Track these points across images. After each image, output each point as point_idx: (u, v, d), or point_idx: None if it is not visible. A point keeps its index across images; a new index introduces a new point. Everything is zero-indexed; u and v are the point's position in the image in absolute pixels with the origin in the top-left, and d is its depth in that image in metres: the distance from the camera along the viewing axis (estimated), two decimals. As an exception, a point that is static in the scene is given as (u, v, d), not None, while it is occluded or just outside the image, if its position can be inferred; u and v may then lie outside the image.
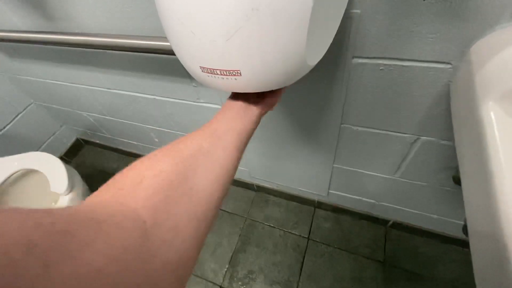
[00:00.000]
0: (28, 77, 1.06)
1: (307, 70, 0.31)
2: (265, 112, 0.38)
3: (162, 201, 0.21)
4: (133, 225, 0.18)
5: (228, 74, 0.29)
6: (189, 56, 0.30)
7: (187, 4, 0.25)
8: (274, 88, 0.32)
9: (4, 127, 1.20)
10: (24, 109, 1.26)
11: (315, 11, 0.25)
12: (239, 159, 0.31)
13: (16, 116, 1.24)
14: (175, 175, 0.23)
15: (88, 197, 0.21)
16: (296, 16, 0.25)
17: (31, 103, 1.27)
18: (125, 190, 0.21)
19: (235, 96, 0.36)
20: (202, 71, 0.30)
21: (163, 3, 0.27)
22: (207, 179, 0.25)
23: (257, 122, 0.35)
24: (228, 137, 0.30)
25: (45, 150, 1.38)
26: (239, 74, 0.28)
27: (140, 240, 0.18)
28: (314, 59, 0.30)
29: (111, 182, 0.22)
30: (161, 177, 0.22)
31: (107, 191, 0.21)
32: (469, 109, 0.36)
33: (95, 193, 0.21)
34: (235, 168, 0.30)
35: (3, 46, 0.93)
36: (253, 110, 0.34)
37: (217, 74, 0.29)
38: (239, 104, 0.34)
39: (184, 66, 0.33)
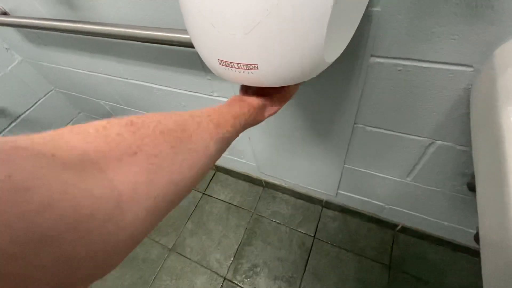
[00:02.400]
0: (50, 64, 1.10)
1: (324, 67, 0.31)
2: (273, 112, 0.39)
3: (146, 184, 0.19)
4: (107, 194, 0.17)
5: (245, 68, 0.29)
6: (208, 48, 0.31)
7: (209, -3, 0.25)
8: (289, 84, 0.32)
9: (25, 112, 1.25)
10: (45, 95, 1.30)
11: (335, 8, 0.25)
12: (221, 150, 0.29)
13: (37, 101, 1.28)
14: (170, 164, 0.22)
15: (70, 131, 0.18)
16: (317, 12, 0.25)
17: (52, 90, 1.32)
18: (114, 153, 0.18)
19: (245, 90, 0.37)
20: (220, 64, 0.30)
21: (186, -5, 0.28)
22: (197, 175, 0.25)
23: (254, 116, 0.36)
24: (229, 128, 0.30)
25: (63, 135, 1.43)
26: (256, 68, 0.29)
27: (112, 210, 0.17)
28: (332, 56, 0.30)
29: (103, 129, 0.19)
30: (155, 160, 0.21)
31: (96, 139, 0.18)
32: (489, 114, 0.35)
33: (80, 128, 0.18)
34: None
35: (27, 33, 0.97)
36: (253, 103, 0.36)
37: (235, 67, 0.30)
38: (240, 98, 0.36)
39: (202, 58, 0.33)
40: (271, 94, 0.38)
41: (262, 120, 0.38)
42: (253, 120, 0.36)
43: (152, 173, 0.20)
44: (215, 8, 0.26)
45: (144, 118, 0.23)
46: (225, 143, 0.30)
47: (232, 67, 0.30)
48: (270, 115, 0.39)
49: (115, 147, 0.19)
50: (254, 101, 0.36)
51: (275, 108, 0.39)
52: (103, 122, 0.20)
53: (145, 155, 0.20)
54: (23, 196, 0.12)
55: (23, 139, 0.15)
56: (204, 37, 0.30)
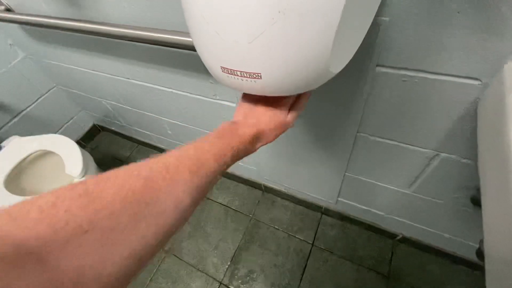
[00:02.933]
0: (53, 61, 1.09)
1: (329, 78, 0.30)
2: (266, 143, 0.35)
3: (95, 265, 0.18)
4: None
5: (248, 76, 0.28)
6: (211, 55, 0.30)
7: (213, 4, 0.25)
8: (292, 94, 0.31)
9: (27, 108, 1.25)
10: (47, 92, 1.30)
11: (344, 17, 0.24)
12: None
13: (39, 98, 1.28)
14: (130, 234, 0.20)
15: (8, 216, 0.17)
16: (324, 21, 0.24)
17: (54, 87, 1.32)
18: (59, 236, 0.17)
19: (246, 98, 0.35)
20: (222, 71, 0.30)
21: (190, 2, 0.27)
22: (162, 242, 0.22)
23: (244, 150, 0.32)
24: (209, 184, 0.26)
25: (63, 133, 1.42)
26: (259, 77, 0.28)
27: None
28: (337, 67, 0.30)
29: (50, 208, 0.17)
30: (112, 234, 0.19)
31: (37, 224, 0.17)
32: (498, 131, 0.34)
33: (20, 212, 0.17)
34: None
35: (31, 30, 0.97)
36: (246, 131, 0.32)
37: (237, 75, 0.29)
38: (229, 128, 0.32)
39: (205, 64, 0.32)
40: (266, 122, 0.34)
41: (253, 152, 0.34)
42: (242, 154, 0.32)
43: (105, 249, 0.18)
44: (220, 15, 0.25)
45: (104, 183, 0.20)
46: (204, 189, 0.26)
47: (235, 75, 0.29)
48: (264, 144, 0.35)
49: (62, 228, 0.17)
50: (246, 133, 0.32)
51: (270, 137, 0.35)
52: (52, 198, 0.18)
53: (99, 231, 0.18)
54: None
55: None
56: (207, 43, 0.29)
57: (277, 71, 0.27)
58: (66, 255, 0.17)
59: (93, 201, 0.19)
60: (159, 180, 0.22)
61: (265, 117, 0.35)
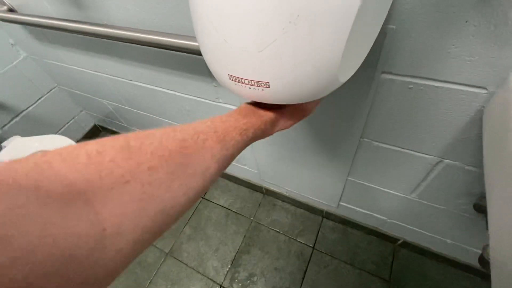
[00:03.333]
0: (55, 62, 1.09)
1: (337, 86, 0.30)
2: (285, 128, 0.37)
3: (135, 213, 0.18)
4: (90, 231, 0.16)
5: (256, 85, 0.28)
6: (219, 63, 0.30)
7: (223, 12, 0.24)
8: (300, 102, 0.31)
9: (28, 107, 1.25)
10: (48, 92, 1.30)
11: (354, 28, 0.24)
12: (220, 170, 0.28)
13: (40, 97, 1.28)
14: (164, 191, 0.20)
15: (60, 157, 0.17)
16: (335, 30, 0.24)
17: (55, 87, 1.31)
18: (104, 183, 0.17)
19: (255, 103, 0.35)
20: (230, 79, 0.29)
21: (199, 9, 0.27)
22: (190, 201, 0.23)
23: (263, 130, 0.33)
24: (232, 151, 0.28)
25: (64, 133, 1.42)
26: (267, 86, 0.28)
27: (93, 248, 0.16)
28: (345, 76, 0.29)
29: (96, 155, 0.18)
30: (149, 188, 0.19)
31: (86, 168, 0.17)
32: (504, 141, 0.34)
33: (71, 155, 0.17)
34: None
35: (33, 30, 0.96)
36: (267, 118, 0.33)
37: (245, 83, 0.28)
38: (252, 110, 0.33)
39: (212, 71, 0.32)
40: (285, 109, 0.36)
41: (270, 135, 0.36)
42: (261, 134, 0.33)
43: (143, 202, 0.19)
44: (230, 23, 0.25)
45: (143, 139, 0.21)
46: (228, 160, 0.28)
47: (242, 83, 0.29)
48: (281, 130, 0.36)
49: (107, 175, 0.18)
50: (267, 114, 0.34)
51: (287, 123, 0.36)
52: (96, 146, 0.19)
53: (139, 183, 0.19)
54: None
55: (4, 170, 0.14)
56: (215, 51, 0.29)
57: (285, 80, 0.27)
58: (110, 201, 0.17)
59: (134, 154, 0.20)
60: (192, 145, 0.24)
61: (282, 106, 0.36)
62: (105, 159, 0.18)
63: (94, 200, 0.16)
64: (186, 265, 1.08)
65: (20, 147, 1.00)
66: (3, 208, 0.13)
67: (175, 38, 0.53)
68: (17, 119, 1.22)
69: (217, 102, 0.77)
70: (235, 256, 1.07)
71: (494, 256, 0.34)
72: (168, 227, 0.22)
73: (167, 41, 0.54)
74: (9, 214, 0.13)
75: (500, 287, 0.31)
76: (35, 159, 0.16)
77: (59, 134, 1.39)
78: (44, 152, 0.17)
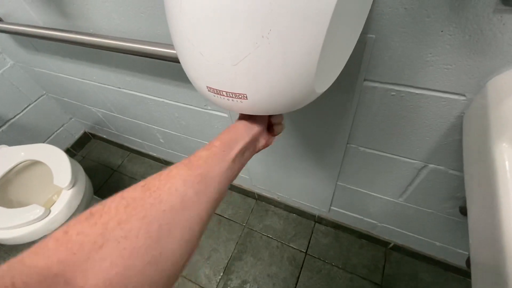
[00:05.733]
0: (42, 70, 1.08)
1: (314, 97, 0.30)
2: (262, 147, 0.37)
3: (120, 275, 0.18)
4: None
5: (234, 97, 0.28)
6: (197, 75, 0.30)
7: (197, 27, 0.25)
8: (280, 113, 0.31)
9: (15, 116, 1.23)
10: (36, 100, 1.28)
11: (326, 42, 0.24)
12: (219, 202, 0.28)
13: (28, 105, 1.26)
14: (145, 239, 0.20)
15: (30, 252, 0.17)
16: (308, 45, 0.24)
17: (43, 95, 1.30)
18: (78, 256, 0.17)
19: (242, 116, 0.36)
20: (209, 91, 0.30)
21: (174, 21, 0.27)
22: (181, 239, 0.22)
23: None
24: (216, 183, 0.27)
25: (53, 141, 1.40)
26: (245, 98, 0.28)
27: None
28: (322, 87, 0.30)
29: (63, 235, 0.18)
30: (127, 242, 0.19)
31: (56, 251, 0.17)
32: (482, 147, 0.35)
33: (40, 246, 0.18)
34: (211, 216, 0.26)
35: (20, 39, 0.95)
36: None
37: (223, 95, 0.29)
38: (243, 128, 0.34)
39: (192, 83, 0.32)
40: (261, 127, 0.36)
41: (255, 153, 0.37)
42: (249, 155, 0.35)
43: (126, 258, 0.18)
44: (204, 38, 0.25)
45: (105, 201, 0.21)
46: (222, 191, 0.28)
47: (221, 94, 0.29)
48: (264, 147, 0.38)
49: (79, 249, 0.18)
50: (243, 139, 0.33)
51: (270, 140, 0.39)
52: (63, 228, 0.19)
53: (114, 241, 0.18)
54: None
55: None
56: (192, 64, 0.29)
57: (262, 93, 0.27)
58: (91, 271, 0.17)
59: (99, 217, 0.19)
60: (155, 182, 0.23)
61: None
62: (72, 236, 0.18)
63: (75, 277, 0.17)
64: (178, 273, 1.06)
65: (7, 156, 0.98)
66: None
67: (158, 47, 0.53)
68: (4, 127, 1.20)
69: (205, 109, 0.77)
70: (227, 263, 1.07)
71: (474, 256, 0.35)
72: (172, 272, 0.21)
73: (151, 49, 0.54)
74: None
75: (478, 285, 0.32)
76: (9, 262, 0.16)
77: (48, 142, 1.37)
78: (19, 255, 0.17)
